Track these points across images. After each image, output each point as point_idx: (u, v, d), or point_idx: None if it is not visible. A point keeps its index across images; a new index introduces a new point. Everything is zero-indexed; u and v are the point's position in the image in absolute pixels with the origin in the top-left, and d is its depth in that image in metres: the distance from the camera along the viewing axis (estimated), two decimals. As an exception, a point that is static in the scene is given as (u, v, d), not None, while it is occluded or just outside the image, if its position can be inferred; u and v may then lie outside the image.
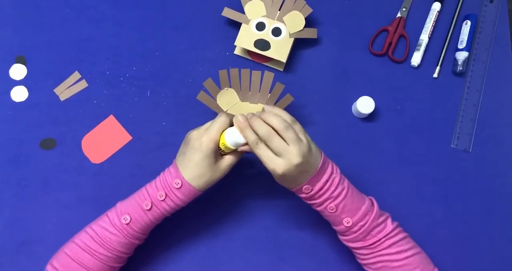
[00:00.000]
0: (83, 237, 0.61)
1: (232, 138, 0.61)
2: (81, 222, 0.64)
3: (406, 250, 0.61)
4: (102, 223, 0.62)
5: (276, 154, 0.57)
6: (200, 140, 0.60)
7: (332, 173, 0.60)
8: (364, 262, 0.63)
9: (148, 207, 0.61)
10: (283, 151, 0.56)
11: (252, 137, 0.58)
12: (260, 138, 0.58)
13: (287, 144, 0.57)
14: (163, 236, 0.72)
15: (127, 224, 0.61)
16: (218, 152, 0.63)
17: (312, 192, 0.60)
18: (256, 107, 0.72)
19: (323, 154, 0.61)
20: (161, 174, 0.64)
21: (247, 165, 0.75)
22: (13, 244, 0.72)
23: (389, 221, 0.62)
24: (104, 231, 0.61)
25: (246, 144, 0.61)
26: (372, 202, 0.63)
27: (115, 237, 0.61)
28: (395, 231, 0.61)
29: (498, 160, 0.78)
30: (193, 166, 0.61)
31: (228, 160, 0.63)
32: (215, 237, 0.73)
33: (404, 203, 0.76)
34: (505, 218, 0.76)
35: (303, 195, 0.61)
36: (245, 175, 0.76)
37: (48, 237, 0.72)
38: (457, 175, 0.78)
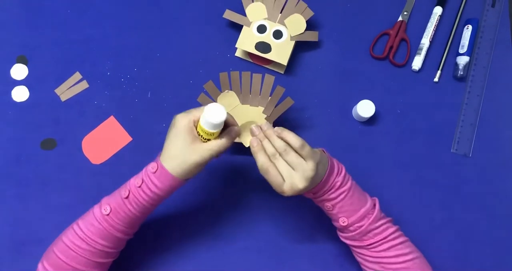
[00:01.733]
0: (69, 234, 0.60)
1: (206, 118, 0.55)
2: (81, 223, 0.64)
3: (405, 254, 0.61)
4: (86, 217, 0.61)
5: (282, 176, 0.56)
6: (175, 117, 0.59)
7: (336, 177, 0.60)
8: (362, 261, 0.63)
9: (126, 195, 0.59)
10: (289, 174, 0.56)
11: (262, 159, 0.57)
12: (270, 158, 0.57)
13: (292, 168, 0.56)
14: (162, 238, 0.72)
15: (107, 215, 0.59)
16: (197, 135, 0.59)
17: (312, 197, 0.61)
18: (257, 110, 0.72)
19: (329, 159, 0.60)
20: None
21: (246, 168, 0.75)
22: (13, 244, 0.72)
23: (389, 225, 0.62)
24: (87, 225, 0.60)
25: (224, 128, 0.59)
26: (374, 205, 0.62)
27: (96, 230, 0.59)
28: (395, 235, 0.61)
29: (497, 165, 0.78)
30: (167, 145, 0.58)
31: (209, 145, 0.58)
32: (214, 240, 0.73)
33: (403, 207, 0.76)
34: (505, 222, 0.76)
35: (306, 195, 0.61)
36: (245, 178, 0.75)
37: (48, 238, 0.71)
38: (457, 179, 0.77)
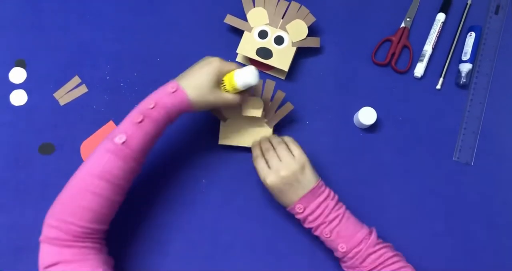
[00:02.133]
0: (83, 176, 0.58)
1: (242, 76, 0.61)
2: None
3: None
4: (94, 159, 0.58)
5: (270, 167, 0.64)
6: (212, 58, 0.62)
7: (326, 198, 0.63)
8: None
9: (140, 119, 0.58)
10: (275, 164, 0.63)
11: (257, 151, 0.67)
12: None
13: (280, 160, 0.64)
14: (159, 234, 0.72)
15: (123, 143, 0.57)
16: (220, 82, 0.63)
17: (305, 213, 0.62)
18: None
19: (320, 181, 0.64)
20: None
21: (247, 168, 0.75)
22: (11, 249, 0.72)
23: (387, 250, 0.62)
24: (102, 161, 0.57)
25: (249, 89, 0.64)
26: (371, 231, 0.64)
27: (113, 163, 0.57)
28: (393, 259, 0.62)
29: (499, 173, 0.78)
30: (193, 74, 0.61)
31: (227, 95, 0.63)
32: (212, 237, 0.73)
33: (405, 215, 0.75)
34: (507, 231, 0.76)
35: (298, 216, 0.64)
36: (243, 176, 0.75)
37: (44, 243, 0.72)
38: (459, 188, 0.77)
